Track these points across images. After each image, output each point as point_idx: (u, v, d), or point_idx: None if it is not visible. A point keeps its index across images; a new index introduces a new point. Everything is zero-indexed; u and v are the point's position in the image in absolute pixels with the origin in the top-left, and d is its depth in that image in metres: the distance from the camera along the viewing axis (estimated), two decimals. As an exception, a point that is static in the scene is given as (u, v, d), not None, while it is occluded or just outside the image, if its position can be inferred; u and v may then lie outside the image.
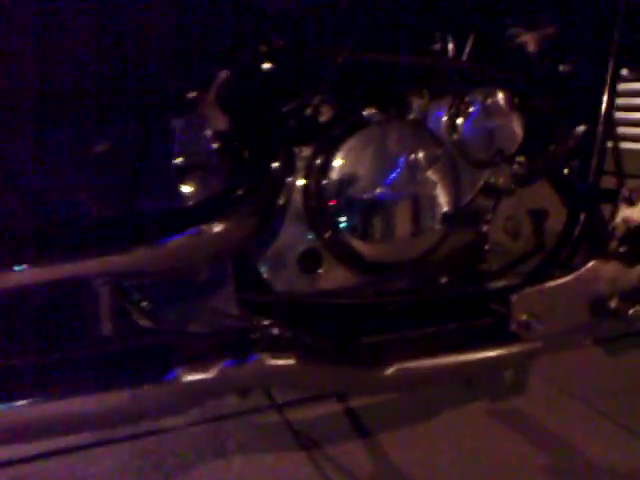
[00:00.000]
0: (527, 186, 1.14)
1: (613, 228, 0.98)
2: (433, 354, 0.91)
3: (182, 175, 0.88)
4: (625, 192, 0.99)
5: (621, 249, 0.97)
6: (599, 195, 1.02)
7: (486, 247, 1.07)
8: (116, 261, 0.80)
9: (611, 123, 1.09)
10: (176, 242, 0.83)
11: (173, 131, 0.89)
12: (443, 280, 1.04)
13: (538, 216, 1.12)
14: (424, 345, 0.93)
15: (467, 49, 1.02)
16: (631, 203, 0.98)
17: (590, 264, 0.97)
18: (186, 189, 0.89)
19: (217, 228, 0.86)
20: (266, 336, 0.84)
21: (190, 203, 0.89)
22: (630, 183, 1.01)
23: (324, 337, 0.89)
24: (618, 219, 0.98)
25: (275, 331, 0.85)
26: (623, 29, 1.06)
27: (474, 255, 1.07)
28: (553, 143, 1.11)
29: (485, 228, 1.06)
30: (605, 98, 1.07)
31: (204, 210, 0.87)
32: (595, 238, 0.99)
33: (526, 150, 1.07)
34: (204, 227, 0.85)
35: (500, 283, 1.02)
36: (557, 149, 1.11)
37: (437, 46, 1.02)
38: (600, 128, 1.05)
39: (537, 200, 1.17)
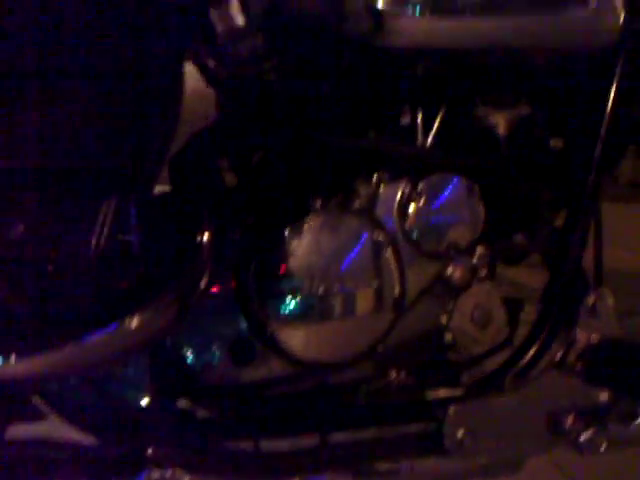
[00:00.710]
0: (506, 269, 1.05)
1: (573, 339, 0.89)
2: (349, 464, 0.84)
3: (101, 262, 0.85)
4: (588, 301, 0.88)
5: (579, 364, 0.87)
6: (569, 295, 0.93)
7: (447, 339, 0.99)
8: (25, 364, 0.78)
9: (595, 210, 0.99)
10: (89, 341, 0.80)
11: (98, 212, 0.85)
12: (391, 375, 0.96)
13: (511, 306, 1.03)
14: (341, 454, 0.86)
15: (435, 126, 0.94)
16: (594, 314, 0.88)
17: (544, 377, 0.87)
18: (104, 277, 0.85)
19: (134, 322, 0.82)
20: (161, 450, 0.79)
21: (107, 293, 0.85)
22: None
23: (228, 448, 0.83)
24: (579, 330, 0.88)
25: (173, 441, 0.81)
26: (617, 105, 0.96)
27: (430, 348, 0.99)
28: (529, 229, 1.01)
29: (444, 319, 0.98)
30: (590, 183, 0.97)
31: (121, 301, 0.84)
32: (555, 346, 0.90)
33: (497, 236, 0.99)
34: (119, 322, 0.82)
35: (448, 390, 0.93)
36: (534, 235, 1.02)
37: (405, 120, 0.95)
38: (580, 220, 0.96)
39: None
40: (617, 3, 0.85)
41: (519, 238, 1.03)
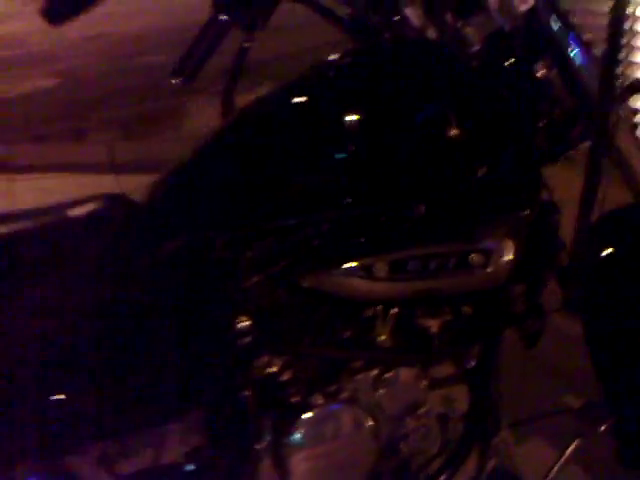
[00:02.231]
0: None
1: (483, 468, 1.43)
2: None
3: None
4: (494, 441, 1.42)
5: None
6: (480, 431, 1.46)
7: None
8: None
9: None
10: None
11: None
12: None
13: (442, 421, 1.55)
14: None
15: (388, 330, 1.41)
16: (498, 452, 1.42)
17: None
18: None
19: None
20: None
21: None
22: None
23: None
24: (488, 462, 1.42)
25: None
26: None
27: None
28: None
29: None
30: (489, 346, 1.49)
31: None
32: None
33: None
34: None
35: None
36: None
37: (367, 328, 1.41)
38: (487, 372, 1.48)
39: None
40: (501, 261, 1.35)
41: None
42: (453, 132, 1.33)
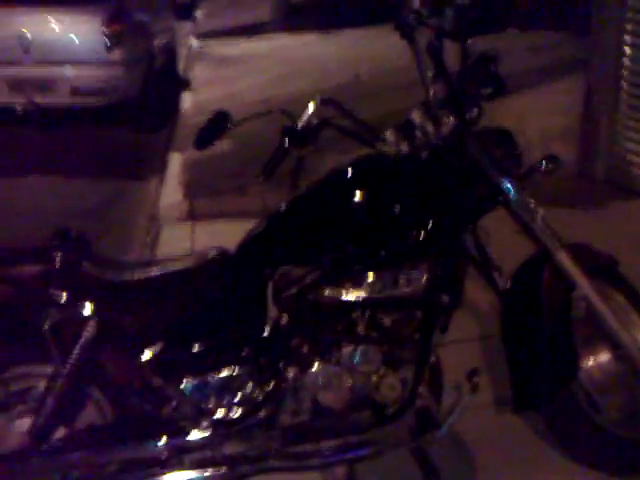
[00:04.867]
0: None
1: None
2: None
3: None
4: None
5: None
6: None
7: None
8: None
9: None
10: None
11: None
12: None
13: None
14: None
15: None
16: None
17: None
18: None
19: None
20: None
21: None
22: None
23: None
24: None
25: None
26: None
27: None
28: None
29: None
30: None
31: None
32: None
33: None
34: None
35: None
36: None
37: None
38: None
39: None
40: (417, 283, 2.35)
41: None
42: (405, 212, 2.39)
